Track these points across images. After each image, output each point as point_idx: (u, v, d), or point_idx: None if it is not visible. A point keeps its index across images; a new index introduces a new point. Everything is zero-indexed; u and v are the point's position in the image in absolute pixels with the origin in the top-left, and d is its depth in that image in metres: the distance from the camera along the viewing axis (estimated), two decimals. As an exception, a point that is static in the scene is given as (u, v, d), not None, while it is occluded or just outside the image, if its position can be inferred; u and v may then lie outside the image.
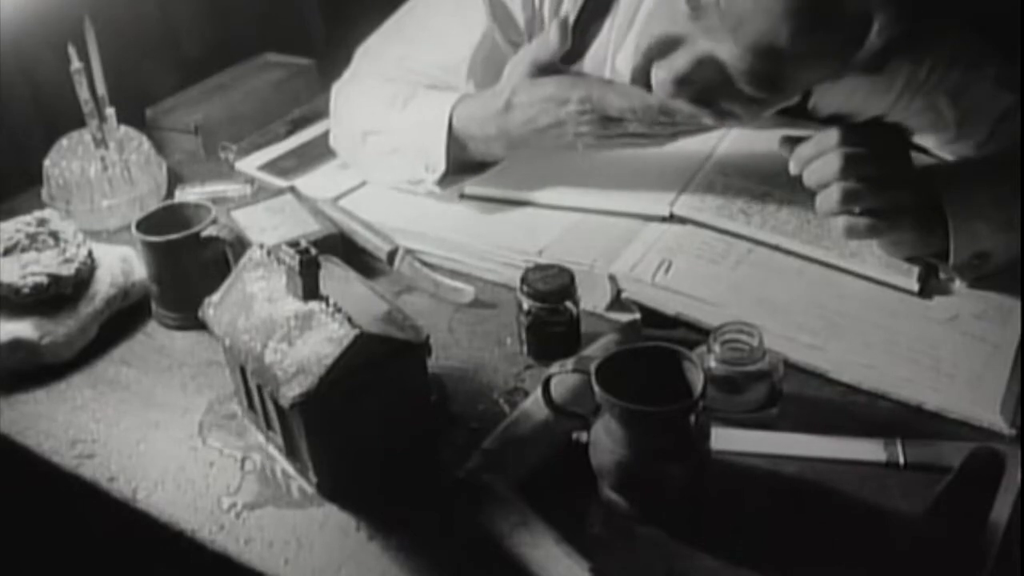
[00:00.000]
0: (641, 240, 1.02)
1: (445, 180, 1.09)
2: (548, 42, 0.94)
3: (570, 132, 0.97)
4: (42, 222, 1.03)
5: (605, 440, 0.73)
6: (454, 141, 1.06)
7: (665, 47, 0.87)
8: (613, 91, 0.94)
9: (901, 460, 0.78)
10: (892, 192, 0.90)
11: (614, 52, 1.13)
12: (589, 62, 1.16)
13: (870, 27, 0.77)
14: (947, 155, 1.03)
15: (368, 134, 1.13)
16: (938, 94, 0.87)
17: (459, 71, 1.13)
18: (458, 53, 1.12)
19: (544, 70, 0.97)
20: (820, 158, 0.90)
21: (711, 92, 0.86)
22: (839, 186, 0.89)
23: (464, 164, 1.09)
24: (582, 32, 1.12)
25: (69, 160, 1.17)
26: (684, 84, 0.85)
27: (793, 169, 0.93)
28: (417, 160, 1.09)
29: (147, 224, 0.98)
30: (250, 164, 1.28)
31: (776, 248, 0.99)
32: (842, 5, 0.77)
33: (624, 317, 0.94)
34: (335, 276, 0.82)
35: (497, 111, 1.01)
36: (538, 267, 0.91)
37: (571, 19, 1.10)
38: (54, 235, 1.02)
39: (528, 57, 0.97)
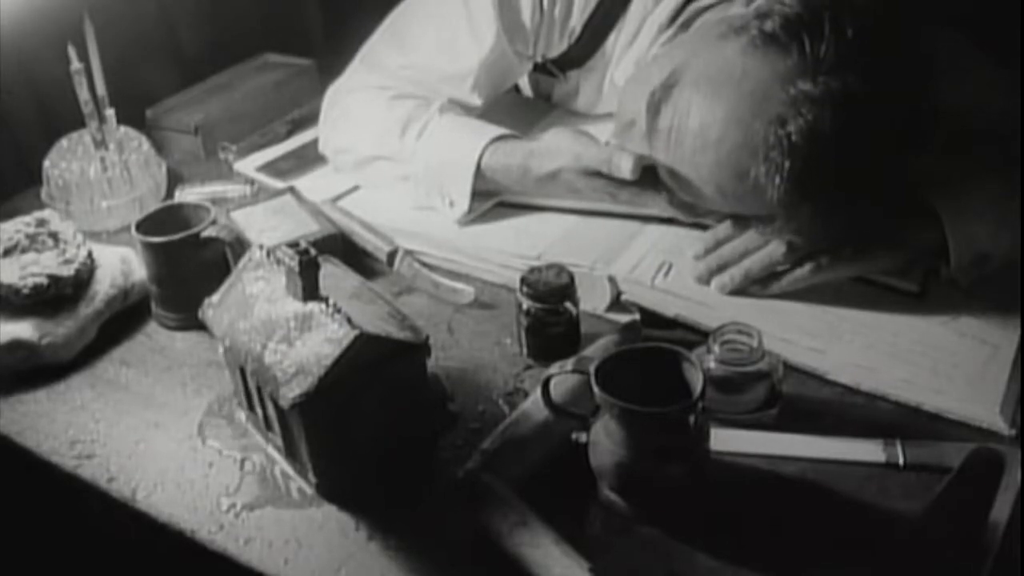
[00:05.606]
0: (641, 242, 1.02)
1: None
2: (620, 169, 0.95)
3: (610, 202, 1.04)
4: (42, 223, 1.03)
5: (604, 440, 0.73)
6: (481, 180, 1.07)
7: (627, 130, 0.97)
8: (657, 199, 0.98)
9: (901, 460, 0.78)
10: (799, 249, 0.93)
11: (616, 64, 1.13)
12: (590, 70, 1.17)
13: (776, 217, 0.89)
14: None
15: (377, 159, 1.13)
16: None
17: (465, 83, 1.12)
18: (466, 64, 1.11)
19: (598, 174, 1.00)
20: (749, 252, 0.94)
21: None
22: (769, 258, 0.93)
23: (483, 193, 1.09)
24: (588, 41, 1.12)
25: (69, 161, 1.17)
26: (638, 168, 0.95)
27: (703, 277, 0.97)
28: (432, 191, 1.09)
29: (147, 225, 0.98)
30: (248, 165, 1.27)
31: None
32: (751, 202, 0.87)
33: (624, 318, 0.94)
34: (335, 277, 0.82)
35: (541, 175, 1.03)
36: (538, 268, 0.91)
37: (578, 28, 1.10)
38: (54, 236, 1.02)
39: (585, 164, 0.99)
